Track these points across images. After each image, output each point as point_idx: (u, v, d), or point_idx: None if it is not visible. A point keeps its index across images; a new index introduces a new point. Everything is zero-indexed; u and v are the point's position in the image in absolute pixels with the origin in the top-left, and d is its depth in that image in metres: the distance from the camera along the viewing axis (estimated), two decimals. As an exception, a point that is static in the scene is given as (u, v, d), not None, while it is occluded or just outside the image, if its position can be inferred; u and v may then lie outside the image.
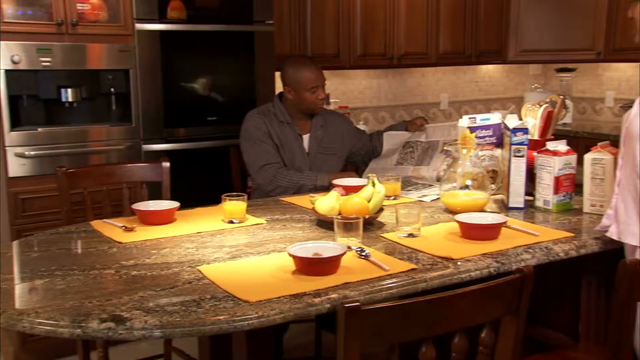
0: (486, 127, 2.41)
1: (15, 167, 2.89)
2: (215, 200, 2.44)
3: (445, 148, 2.71)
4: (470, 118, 2.39)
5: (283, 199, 2.53)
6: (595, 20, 4.45)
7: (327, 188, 2.69)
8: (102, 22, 3.02)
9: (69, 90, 3.02)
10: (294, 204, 2.43)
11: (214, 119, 3.41)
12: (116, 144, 3.13)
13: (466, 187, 2.27)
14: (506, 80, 5.38)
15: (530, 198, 2.28)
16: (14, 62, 2.80)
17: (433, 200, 2.42)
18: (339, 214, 2.04)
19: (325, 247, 1.68)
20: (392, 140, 3.03)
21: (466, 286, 1.31)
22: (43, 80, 2.95)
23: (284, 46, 3.82)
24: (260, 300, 1.44)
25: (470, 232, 1.88)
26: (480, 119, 2.40)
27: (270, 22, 3.48)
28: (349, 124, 3.08)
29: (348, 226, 1.81)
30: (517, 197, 2.23)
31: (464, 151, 2.24)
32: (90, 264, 1.73)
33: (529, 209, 2.25)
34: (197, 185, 3.26)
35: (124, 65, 3.10)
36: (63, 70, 2.96)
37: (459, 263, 1.68)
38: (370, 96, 4.72)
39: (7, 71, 2.80)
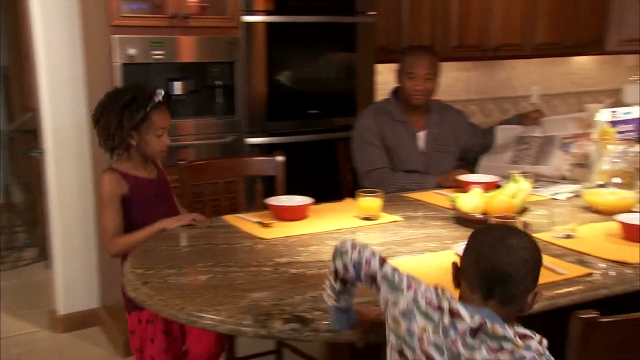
0: (627, 122, 2.28)
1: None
2: (322, 196, 2.37)
3: (573, 143, 2.58)
4: (612, 112, 2.26)
5: (407, 195, 2.45)
6: None
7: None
8: (210, 14, 2.99)
9: (177, 83, 3.01)
10: (420, 200, 2.35)
11: (315, 112, 3.35)
12: (220, 137, 3.10)
13: (602, 185, 2.16)
14: (599, 72, 5.15)
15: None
16: (129, 56, 2.80)
17: (568, 198, 2.30)
18: (484, 212, 1.96)
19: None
20: (504, 134, 2.91)
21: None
22: (154, 73, 2.95)
23: (381, 37, 3.73)
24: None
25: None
26: (622, 112, 2.28)
27: (373, 13, 3.40)
28: (465, 119, 2.96)
29: (506, 226, 1.73)
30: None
31: (610, 147, 2.13)
32: (245, 260, 1.70)
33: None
34: (301, 180, 3.20)
35: (229, 58, 3.07)
36: (173, 63, 2.95)
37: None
38: (459, 89, 4.59)
39: (123, 64, 2.80)
